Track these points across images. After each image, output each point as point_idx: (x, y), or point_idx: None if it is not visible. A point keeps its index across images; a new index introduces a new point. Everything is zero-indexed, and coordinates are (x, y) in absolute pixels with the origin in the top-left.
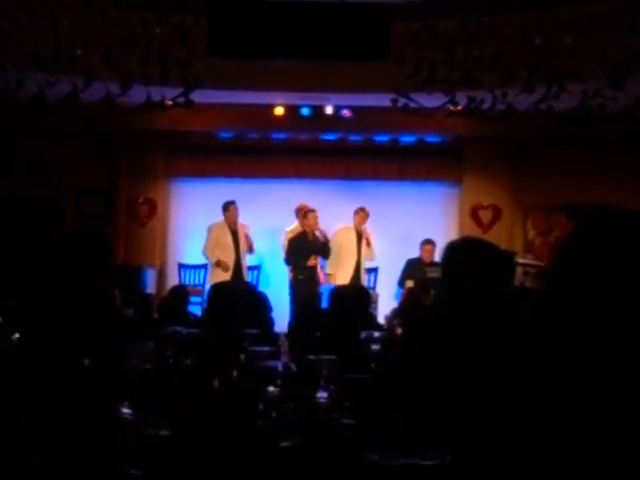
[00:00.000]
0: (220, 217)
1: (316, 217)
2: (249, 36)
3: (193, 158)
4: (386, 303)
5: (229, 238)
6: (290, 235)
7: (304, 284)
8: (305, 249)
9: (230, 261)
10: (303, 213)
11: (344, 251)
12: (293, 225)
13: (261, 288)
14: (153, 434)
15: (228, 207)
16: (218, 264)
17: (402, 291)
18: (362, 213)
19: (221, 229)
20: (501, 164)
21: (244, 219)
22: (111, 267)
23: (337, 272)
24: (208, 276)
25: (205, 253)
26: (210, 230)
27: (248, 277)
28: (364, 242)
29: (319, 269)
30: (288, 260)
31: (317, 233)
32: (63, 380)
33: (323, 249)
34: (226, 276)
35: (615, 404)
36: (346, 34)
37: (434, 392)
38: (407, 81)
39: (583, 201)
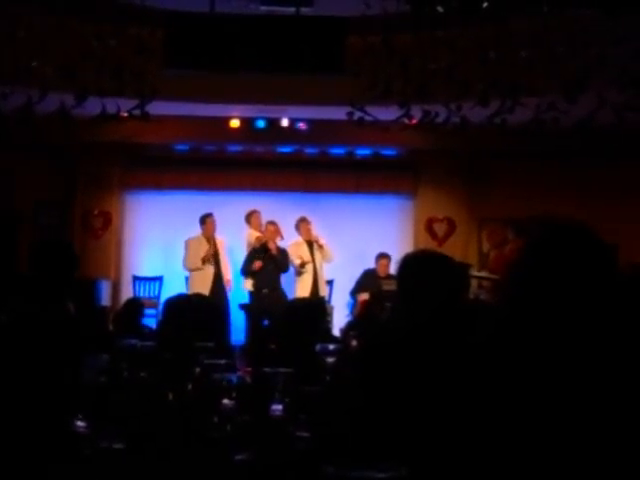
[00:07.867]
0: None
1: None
2: (205, 48)
3: (149, 170)
4: (341, 315)
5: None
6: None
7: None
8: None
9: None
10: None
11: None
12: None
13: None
14: (107, 447)
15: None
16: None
17: (354, 302)
18: (304, 223)
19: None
20: (456, 177)
21: (199, 231)
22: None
23: (297, 285)
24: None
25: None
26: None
27: None
28: (316, 248)
29: None
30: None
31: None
32: (22, 392)
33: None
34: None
35: (572, 407)
36: (302, 47)
37: (390, 405)
38: (363, 94)
39: (537, 213)
